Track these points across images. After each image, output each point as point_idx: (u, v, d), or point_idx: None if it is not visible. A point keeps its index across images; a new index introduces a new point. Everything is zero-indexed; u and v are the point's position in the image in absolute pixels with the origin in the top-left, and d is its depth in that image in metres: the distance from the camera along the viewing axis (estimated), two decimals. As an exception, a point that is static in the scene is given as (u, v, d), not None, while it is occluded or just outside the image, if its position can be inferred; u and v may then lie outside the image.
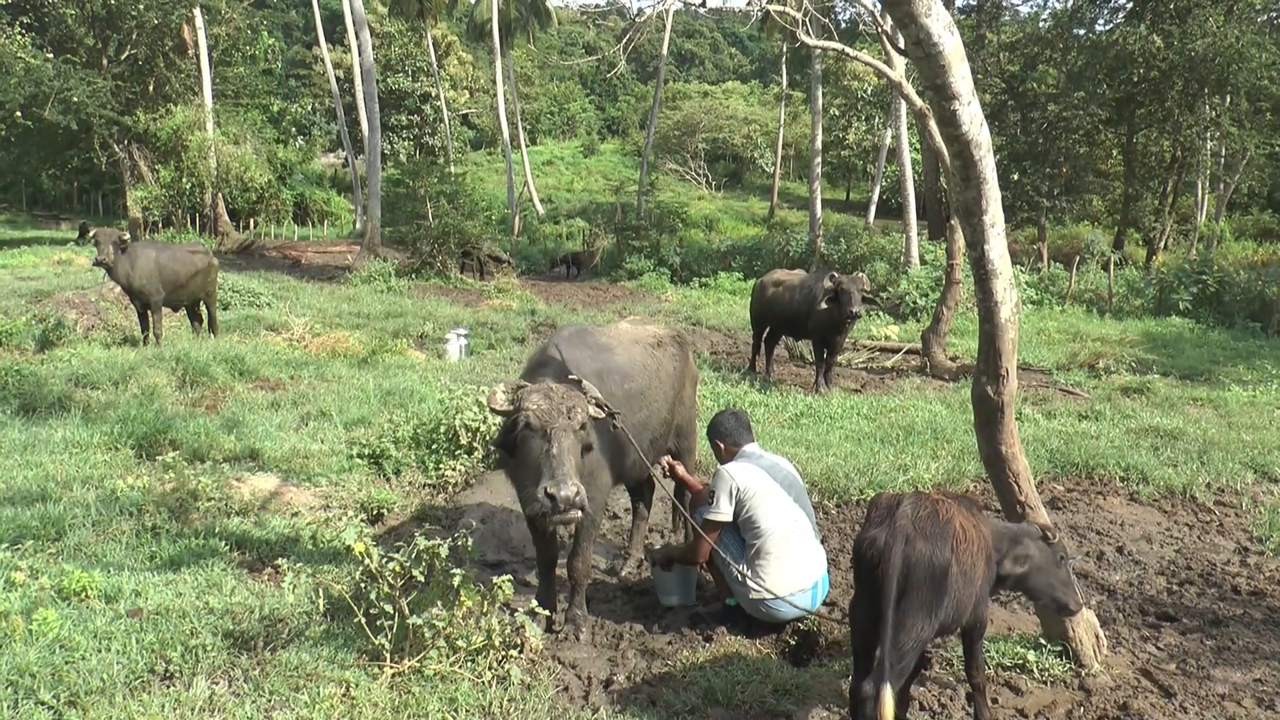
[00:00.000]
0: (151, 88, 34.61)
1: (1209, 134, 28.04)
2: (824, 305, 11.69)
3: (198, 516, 6.27)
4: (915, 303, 20.39)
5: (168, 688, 4.12)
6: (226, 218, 35.80)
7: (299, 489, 7.05)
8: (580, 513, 4.30)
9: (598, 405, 4.60)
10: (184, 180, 32.28)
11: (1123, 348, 15.43)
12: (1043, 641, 4.92)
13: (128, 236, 12.16)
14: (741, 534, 5.21)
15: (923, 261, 23.46)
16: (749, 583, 5.11)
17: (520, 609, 4.81)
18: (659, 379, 5.76)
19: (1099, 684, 4.66)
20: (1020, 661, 4.81)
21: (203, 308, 13.46)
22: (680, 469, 5.96)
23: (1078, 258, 24.72)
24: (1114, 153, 31.74)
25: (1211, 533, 7.13)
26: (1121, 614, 5.63)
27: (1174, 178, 29.18)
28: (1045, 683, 4.68)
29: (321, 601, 4.63)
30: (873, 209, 40.14)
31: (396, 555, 4.55)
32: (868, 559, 3.80)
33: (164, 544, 5.75)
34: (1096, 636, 4.90)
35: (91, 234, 12.10)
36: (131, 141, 33.55)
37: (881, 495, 4.03)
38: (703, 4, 10.76)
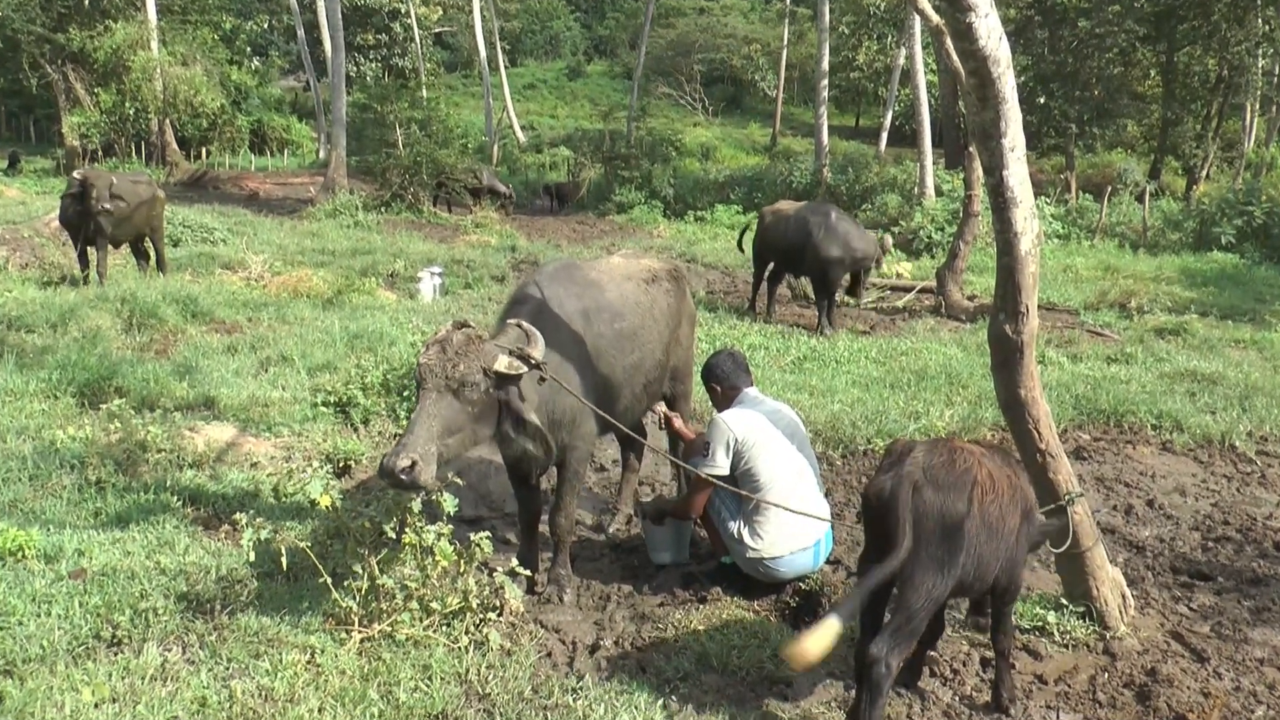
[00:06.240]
0: (88, 2, 33.96)
1: (1260, 50, 27.72)
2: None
3: (147, 469, 6.26)
4: (930, 237, 20.30)
5: (115, 655, 4.11)
6: (175, 146, 35.37)
7: (258, 439, 7.04)
8: (419, 490, 4.16)
9: (520, 358, 4.45)
10: (126, 105, 31.82)
11: (1158, 285, 15.40)
12: (1064, 602, 4.94)
13: (115, 180, 12.12)
14: (739, 487, 5.20)
15: (939, 193, 23.32)
16: (746, 540, 5.12)
17: (500, 568, 4.81)
18: (653, 318, 5.71)
19: (1125, 648, 4.68)
20: (1040, 623, 4.83)
21: (149, 244, 13.34)
22: (676, 421, 5.93)
23: (1110, 188, 24.53)
24: (1152, 73, 31.46)
25: (1252, 485, 7.16)
26: (1151, 572, 5.66)
27: (1219, 100, 28.94)
28: (1067, 646, 4.71)
29: (284, 560, 4.61)
30: (884, 136, 39.75)
31: (365, 510, 4.55)
32: (874, 509, 3.80)
33: (110, 499, 5.74)
34: (1123, 596, 4.92)
35: (77, 175, 12.20)
36: (66, 62, 33.01)
37: (897, 442, 4.02)
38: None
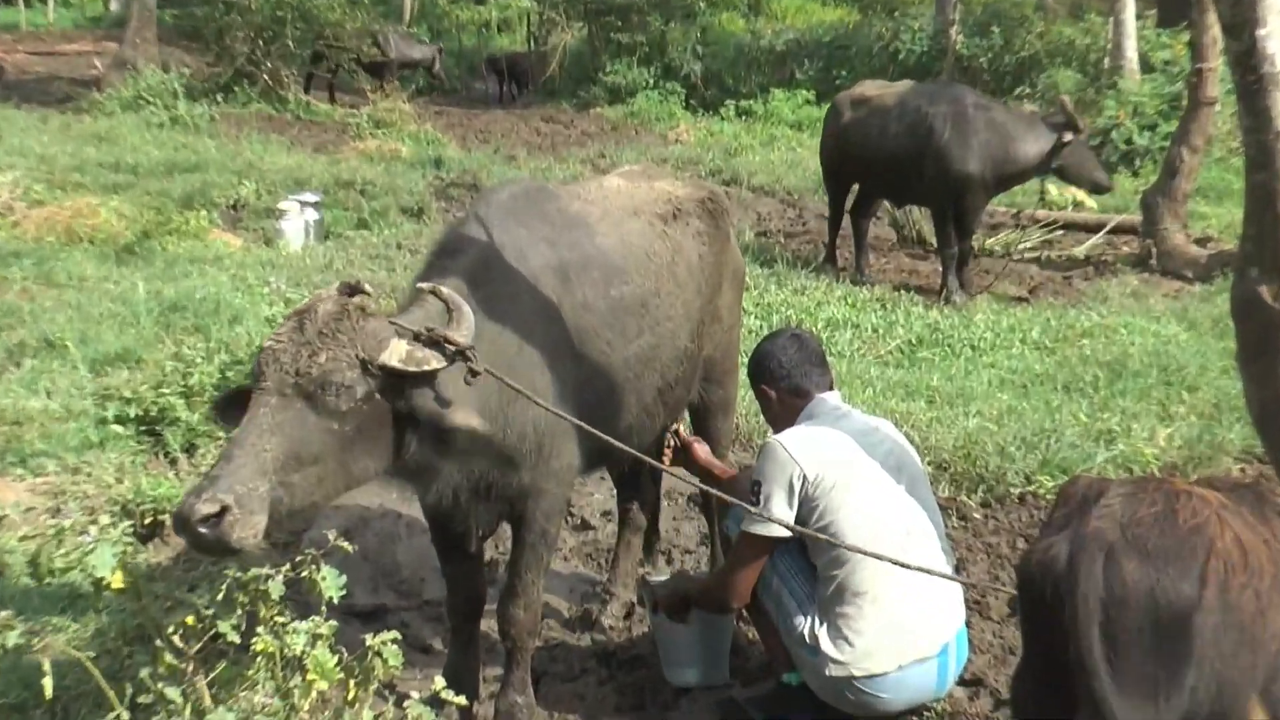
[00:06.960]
0: None
1: None
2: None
3: None
4: (1130, 142, 20.30)
5: None
6: None
7: (3, 479, 7.04)
8: (232, 554, 4.07)
9: (432, 345, 4.31)
10: None
11: None
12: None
13: None
14: (811, 557, 5.19)
15: (1146, 68, 23.28)
16: (824, 647, 5.07)
17: (415, 694, 4.76)
18: (675, 279, 5.72)
19: None
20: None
21: None
22: (700, 450, 5.88)
23: None
24: None
25: None
26: None
27: None
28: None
29: (47, 683, 4.58)
30: (1052, -26, 39.96)
31: (189, 596, 4.50)
32: (1038, 589, 3.75)
33: None
34: None
35: None
36: None
37: (1078, 480, 3.96)
38: None
